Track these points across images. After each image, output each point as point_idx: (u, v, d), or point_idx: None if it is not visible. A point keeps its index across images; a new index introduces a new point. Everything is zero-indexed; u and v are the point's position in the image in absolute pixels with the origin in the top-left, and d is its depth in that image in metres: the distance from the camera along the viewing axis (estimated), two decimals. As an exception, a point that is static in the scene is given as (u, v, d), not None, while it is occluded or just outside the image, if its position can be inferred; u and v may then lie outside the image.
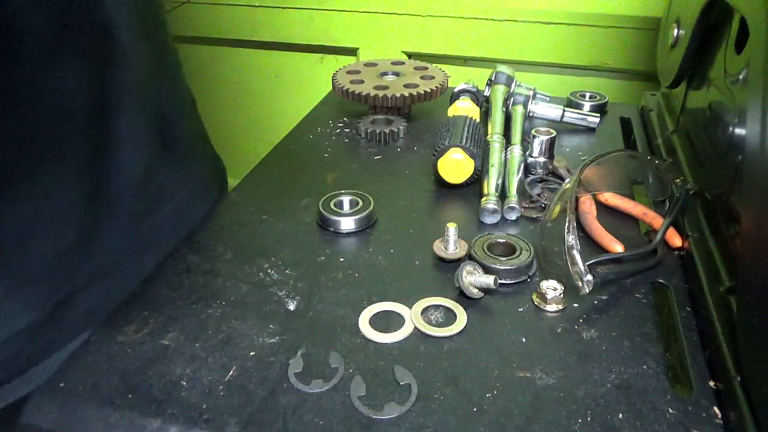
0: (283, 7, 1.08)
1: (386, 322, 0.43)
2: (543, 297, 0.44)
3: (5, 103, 0.40)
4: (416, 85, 0.74)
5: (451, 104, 0.73)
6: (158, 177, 0.55)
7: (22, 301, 0.45)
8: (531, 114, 0.73)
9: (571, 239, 0.44)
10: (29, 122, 0.42)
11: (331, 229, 0.54)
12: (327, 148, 0.70)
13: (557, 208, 0.49)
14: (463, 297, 0.45)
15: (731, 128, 0.47)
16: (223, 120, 1.24)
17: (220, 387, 0.37)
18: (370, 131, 0.71)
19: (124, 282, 0.52)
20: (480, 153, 0.60)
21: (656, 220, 0.53)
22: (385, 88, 0.73)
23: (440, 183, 0.61)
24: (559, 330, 0.42)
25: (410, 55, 1.07)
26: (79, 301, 0.50)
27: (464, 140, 0.58)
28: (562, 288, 0.44)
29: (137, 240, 0.54)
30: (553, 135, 0.62)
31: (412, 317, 0.43)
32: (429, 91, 0.73)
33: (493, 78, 0.76)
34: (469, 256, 0.48)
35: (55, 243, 0.46)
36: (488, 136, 0.63)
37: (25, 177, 0.43)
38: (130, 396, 0.37)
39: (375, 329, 0.42)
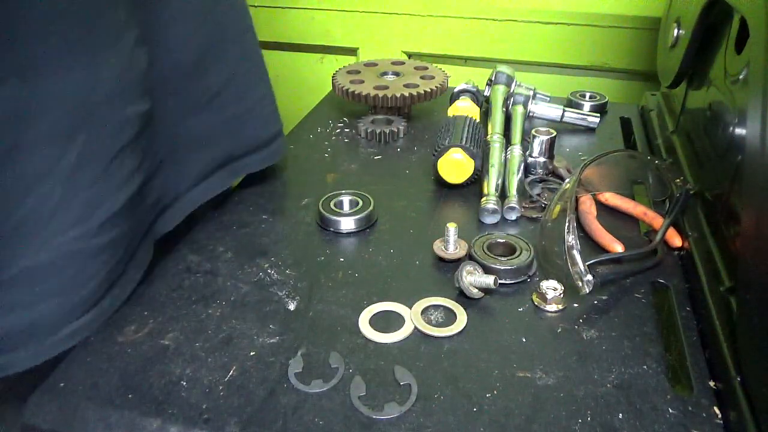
0: (283, 7, 1.08)
1: (386, 322, 0.43)
2: (543, 297, 0.44)
3: None
4: (416, 85, 0.74)
5: (451, 104, 0.73)
6: (207, 78, 0.53)
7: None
8: (531, 114, 0.73)
9: (571, 239, 0.44)
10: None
11: (331, 229, 0.54)
12: (327, 148, 0.70)
13: (557, 208, 0.49)
14: (463, 297, 0.45)
15: (731, 128, 0.47)
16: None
17: (220, 387, 0.37)
18: (370, 131, 0.71)
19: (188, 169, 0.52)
20: (480, 153, 0.60)
21: (656, 220, 0.53)
22: (385, 88, 0.73)
23: (440, 183, 0.61)
24: (559, 330, 0.42)
25: (410, 55, 1.07)
26: (147, 191, 0.47)
27: (464, 140, 0.58)
28: (562, 288, 0.44)
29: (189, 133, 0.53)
30: (553, 135, 0.62)
31: (412, 317, 0.43)
32: (429, 91, 0.73)
33: (493, 78, 0.76)
34: (469, 256, 0.48)
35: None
36: (488, 136, 0.63)
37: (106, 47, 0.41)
38: (130, 396, 0.37)
39: (375, 329, 0.42)
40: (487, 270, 0.46)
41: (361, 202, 0.55)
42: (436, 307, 0.44)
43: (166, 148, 0.50)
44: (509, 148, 0.61)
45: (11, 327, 0.39)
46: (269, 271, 0.48)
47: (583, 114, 0.74)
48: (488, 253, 0.48)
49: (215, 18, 0.53)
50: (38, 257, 0.38)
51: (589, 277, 0.43)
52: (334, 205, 0.55)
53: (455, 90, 0.76)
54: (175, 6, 0.49)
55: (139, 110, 0.45)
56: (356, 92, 0.72)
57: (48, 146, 0.39)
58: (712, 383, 0.38)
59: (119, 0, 0.43)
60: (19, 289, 0.38)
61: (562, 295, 0.44)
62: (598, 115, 0.75)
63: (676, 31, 0.65)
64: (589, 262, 0.44)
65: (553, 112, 0.74)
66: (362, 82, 0.75)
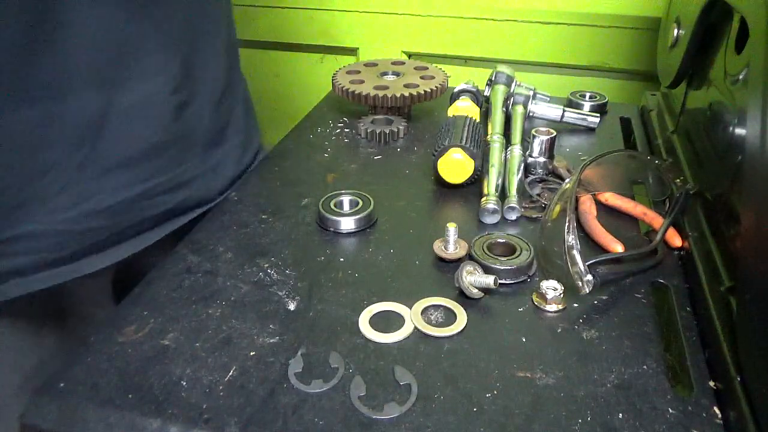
0: (283, 7, 1.08)
1: (386, 322, 0.43)
2: (543, 297, 0.44)
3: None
4: (416, 85, 0.74)
5: (451, 104, 0.73)
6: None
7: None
8: (531, 114, 0.73)
9: (571, 239, 0.44)
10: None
11: (331, 229, 0.54)
12: (327, 148, 0.70)
13: (557, 208, 0.49)
14: (463, 297, 0.45)
15: (731, 128, 0.47)
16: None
17: (220, 387, 0.37)
18: (370, 131, 0.71)
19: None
20: (480, 153, 0.60)
21: (656, 220, 0.53)
22: (385, 88, 0.73)
23: (440, 183, 0.61)
24: (559, 330, 0.42)
25: (410, 55, 1.07)
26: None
27: (464, 140, 0.58)
28: (562, 288, 0.44)
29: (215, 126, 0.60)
30: (553, 135, 0.62)
31: (412, 317, 0.43)
32: (429, 91, 0.73)
33: (493, 78, 0.76)
34: (469, 256, 0.48)
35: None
36: (488, 136, 0.63)
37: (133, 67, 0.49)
38: (130, 396, 0.37)
39: (375, 329, 0.42)
40: (487, 270, 0.46)
41: (361, 202, 0.55)
42: (436, 307, 0.44)
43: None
44: (509, 148, 0.61)
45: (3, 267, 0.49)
46: (269, 271, 0.48)
47: (583, 114, 0.74)
48: (488, 253, 0.48)
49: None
50: (36, 226, 0.48)
51: (589, 277, 0.43)
52: (334, 205, 0.55)
53: (455, 90, 0.76)
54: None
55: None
56: (356, 92, 0.72)
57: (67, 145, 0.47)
58: (712, 383, 0.38)
59: None
60: (16, 244, 0.49)
61: (562, 295, 0.44)
62: (598, 115, 0.74)
63: (676, 31, 0.65)
64: (589, 262, 0.44)
65: (553, 112, 0.74)
66: (362, 82, 0.75)
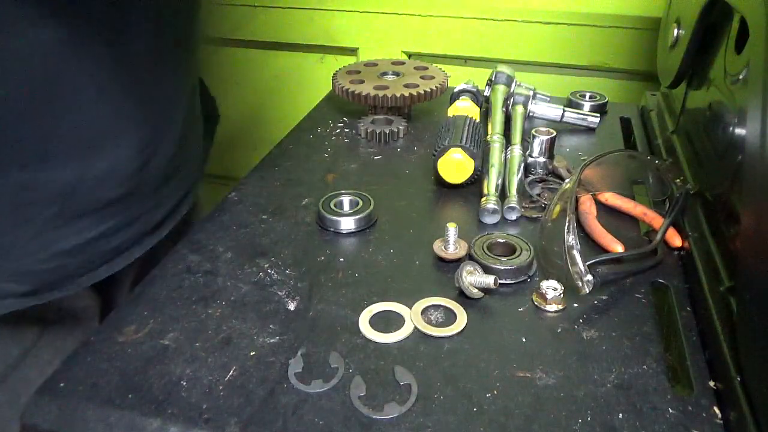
0: (283, 7, 1.08)
1: (386, 322, 0.43)
2: (543, 297, 0.44)
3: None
4: (416, 85, 0.74)
5: (451, 104, 0.73)
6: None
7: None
8: (531, 114, 0.73)
9: (571, 239, 0.44)
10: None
11: (331, 229, 0.54)
12: (327, 148, 0.70)
13: (557, 208, 0.49)
14: (463, 297, 0.45)
15: (731, 128, 0.47)
16: (222, 120, 1.24)
17: (220, 387, 0.37)
18: (370, 131, 0.71)
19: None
20: (480, 153, 0.60)
21: (656, 220, 0.53)
22: (385, 88, 0.73)
23: (440, 183, 0.61)
24: (559, 330, 0.42)
25: (410, 55, 1.07)
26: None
27: (464, 140, 0.58)
28: (562, 288, 0.44)
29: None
30: (553, 135, 0.62)
31: (412, 317, 0.43)
32: (429, 91, 0.73)
33: (493, 78, 0.76)
34: (469, 256, 0.48)
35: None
36: (488, 136, 0.63)
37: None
38: (130, 396, 0.37)
39: (375, 329, 0.42)
40: (487, 270, 0.46)
41: (361, 202, 0.55)
42: (436, 307, 0.44)
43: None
44: (509, 148, 0.61)
45: None
46: (269, 271, 0.48)
47: (583, 114, 0.74)
48: (488, 253, 0.48)
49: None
50: (7, 265, 0.52)
51: (589, 277, 0.43)
52: (334, 205, 0.55)
53: (455, 90, 0.76)
54: None
55: None
56: (356, 92, 0.72)
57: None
58: (712, 383, 0.38)
59: None
60: None
61: (562, 295, 0.44)
62: (598, 115, 0.75)
63: (676, 31, 0.65)
64: (589, 262, 0.44)
65: (553, 112, 0.74)
66: (362, 82, 0.75)
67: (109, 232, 0.57)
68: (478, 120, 0.66)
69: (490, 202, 0.54)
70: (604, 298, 0.45)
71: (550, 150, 0.62)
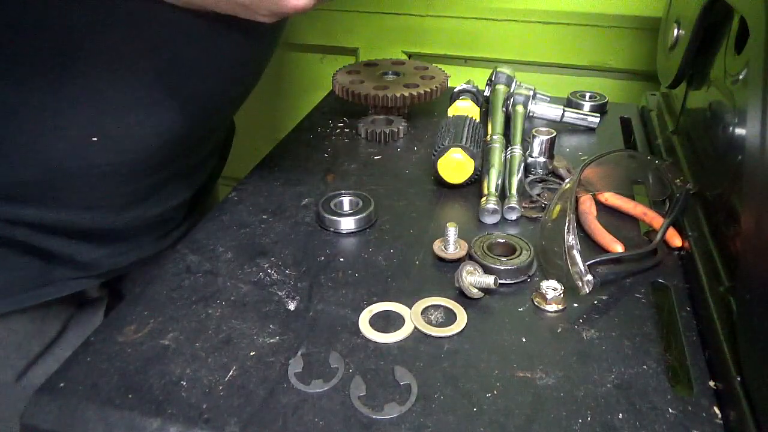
0: (283, 7, 1.08)
1: (386, 322, 0.43)
2: (543, 297, 0.44)
3: None
4: (416, 85, 0.74)
5: (451, 104, 0.73)
6: None
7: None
8: (531, 114, 0.73)
9: (571, 239, 0.44)
10: None
11: (331, 229, 0.54)
12: (327, 148, 0.70)
13: (557, 208, 0.49)
14: (463, 297, 0.45)
15: (731, 128, 0.47)
16: (223, 120, 1.24)
17: (220, 387, 0.37)
18: (370, 131, 0.71)
19: None
20: (480, 153, 0.60)
21: (656, 220, 0.53)
22: (385, 88, 0.73)
23: (440, 183, 0.61)
24: (559, 330, 0.42)
25: (410, 55, 1.07)
26: None
27: (464, 140, 0.58)
28: (562, 288, 0.44)
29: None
30: (553, 135, 0.62)
31: (412, 317, 0.43)
32: (429, 91, 0.73)
33: (493, 78, 0.76)
34: (469, 256, 0.48)
35: None
36: (488, 136, 0.63)
37: None
38: (130, 396, 0.37)
39: (375, 329, 0.42)
40: (487, 270, 0.46)
41: (361, 202, 0.55)
42: (436, 307, 0.44)
43: None
44: (509, 148, 0.61)
45: None
46: (269, 271, 0.48)
47: (583, 114, 0.74)
48: (488, 253, 0.48)
49: None
50: None
51: (589, 277, 0.43)
52: (334, 205, 0.55)
53: (455, 90, 0.76)
54: None
55: None
56: (356, 92, 0.72)
57: None
58: (712, 383, 0.38)
59: None
60: None
61: (562, 295, 0.44)
62: (598, 115, 0.74)
63: (676, 31, 0.65)
64: (589, 262, 0.44)
65: (553, 112, 0.74)
66: (362, 82, 0.75)
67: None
68: (478, 120, 0.66)
69: (490, 202, 0.54)
70: (604, 298, 0.45)
71: (550, 150, 0.62)
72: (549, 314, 0.44)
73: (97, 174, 0.50)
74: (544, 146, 0.62)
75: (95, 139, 0.47)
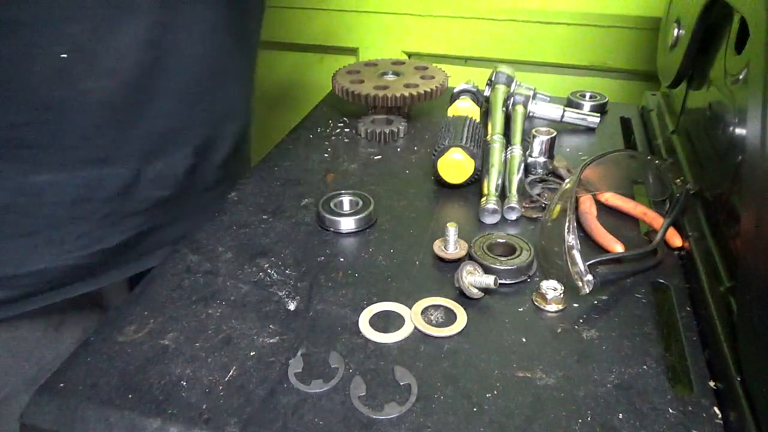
0: (283, 7, 1.08)
1: (386, 322, 0.43)
2: (543, 297, 0.44)
3: None
4: (416, 85, 0.74)
5: (451, 104, 0.73)
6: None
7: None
8: (531, 114, 0.73)
9: (571, 239, 0.44)
10: None
11: (331, 229, 0.54)
12: (327, 148, 0.70)
13: (557, 208, 0.49)
14: (463, 297, 0.45)
15: (731, 128, 0.47)
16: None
17: (220, 387, 0.37)
18: (370, 131, 0.71)
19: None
20: (480, 153, 0.60)
21: (656, 220, 0.53)
22: (385, 88, 0.73)
23: (440, 183, 0.61)
24: (559, 330, 0.42)
25: (410, 55, 1.07)
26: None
27: (464, 140, 0.58)
28: (562, 288, 0.44)
29: None
30: (553, 135, 0.62)
31: (412, 317, 0.43)
32: (429, 91, 0.73)
33: (493, 78, 0.76)
34: (469, 256, 0.48)
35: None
36: (488, 136, 0.63)
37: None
38: (130, 396, 0.37)
39: (375, 329, 0.42)
40: (487, 270, 0.46)
41: (361, 202, 0.55)
42: (436, 307, 0.44)
43: None
44: (509, 148, 0.61)
45: None
46: (269, 271, 0.48)
47: (583, 114, 0.74)
48: (488, 253, 0.48)
49: None
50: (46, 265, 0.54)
51: (589, 277, 0.43)
52: (334, 205, 0.55)
53: (455, 90, 0.76)
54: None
55: None
56: (356, 92, 0.72)
57: None
58: (712, 383, 0.38)
59: None
60: (29, 277, 0.54)
61: (562, 295, 0.44)
62: (598, 115, 0.74)
63: (676, 31, 0.65)
64: (589, 262, 0.44)
65: (553, 112, 0.74)
66: (362, 82, 0.75)
67: (152, 229, 0.59)
68: (478, 120, 0.66)
69: (490, 202, 0.54)
70: (604, 298, 0.45)
71: (550, 150, 0.62)
72: (549, 314, 0.44)
73: (90, 103, 0.49)
74: (544, 146, 0.62)
75: (65, 56, 0.47)
